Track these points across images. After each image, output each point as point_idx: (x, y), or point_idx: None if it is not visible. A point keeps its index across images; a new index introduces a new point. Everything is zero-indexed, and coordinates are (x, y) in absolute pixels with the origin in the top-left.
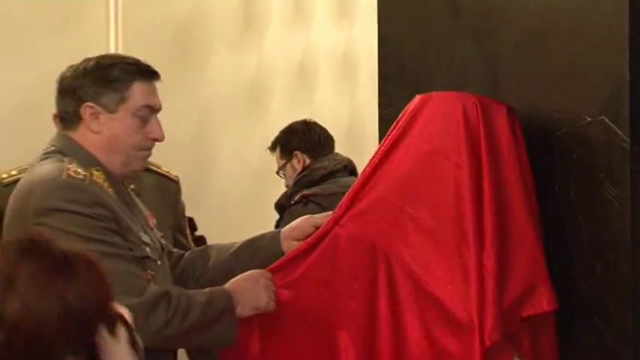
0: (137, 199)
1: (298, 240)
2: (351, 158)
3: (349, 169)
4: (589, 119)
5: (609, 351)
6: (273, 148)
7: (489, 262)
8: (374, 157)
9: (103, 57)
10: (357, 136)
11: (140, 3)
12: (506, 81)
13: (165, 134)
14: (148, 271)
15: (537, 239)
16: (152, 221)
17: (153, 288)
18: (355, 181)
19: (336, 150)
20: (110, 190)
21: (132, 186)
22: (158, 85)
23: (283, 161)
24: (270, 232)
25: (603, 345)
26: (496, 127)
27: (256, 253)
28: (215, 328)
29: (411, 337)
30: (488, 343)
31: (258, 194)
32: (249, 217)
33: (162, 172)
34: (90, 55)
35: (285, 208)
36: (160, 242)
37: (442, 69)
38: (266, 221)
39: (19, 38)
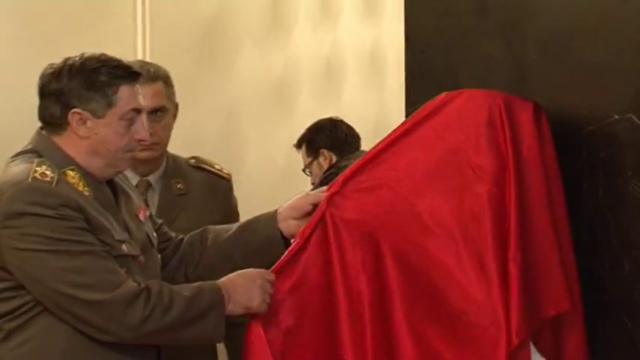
0: (130, 192)
1: (297, 219)
2: None
3: None
4: (617, 117)
5: (638, 350)
6: (299, 145)
7: (514, 265)
8: (386, 138)
9: (86, 59)
10: (383, 134)
11: (167, 2)
12: (532, 79)
13: (193, 132)
14: (124, 268)
15: (557, 241)
16: (144, 214)
17: (130, 284)
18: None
19: (363, 148)
20: (85, 189)
21: (179, 185)
22: (186, 83)
23: (309, 159)
24: (267, 213)
25: (632, 343)
26: (521, 128)
27: (253, 236)
28: (200, 324)
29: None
30: (516, 341)
31: (284, 192)
32: None
33: (213, 170)
34: (117, 56)
35: None
36: (149, 237)
37: (468, 66)
38: None
39: (46, 38)
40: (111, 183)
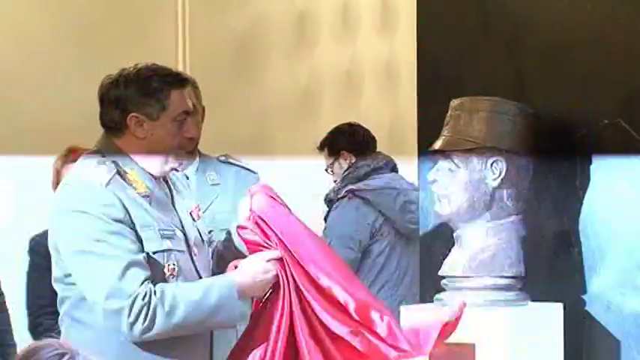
0: (184, 192)
1: None
2: (393, 157)
3: (390, 166)
4: (606, 122)
5: None
6: (321, 147)
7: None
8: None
9: (139, 69)
10: (397, 137)
11: (205, 19)
12: (531, 88)
13: (227, 136)
14: (169, 263)
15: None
16: (196, 213)
17: (138, 294)
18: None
19: (379, 149)
20: (144, 187)
21: (212, 177)
22: (220, 91)
23: (331, 160)
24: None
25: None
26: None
27: None
28: (214, 317)
29: None
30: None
31: (309, 190)
32: (302, 210)
33: (241, 164)
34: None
35: (333, 201)
36: (200, 233)
37: (474, 76)
38: (316, 214)
39: (94, 53)
40: (167, 182)
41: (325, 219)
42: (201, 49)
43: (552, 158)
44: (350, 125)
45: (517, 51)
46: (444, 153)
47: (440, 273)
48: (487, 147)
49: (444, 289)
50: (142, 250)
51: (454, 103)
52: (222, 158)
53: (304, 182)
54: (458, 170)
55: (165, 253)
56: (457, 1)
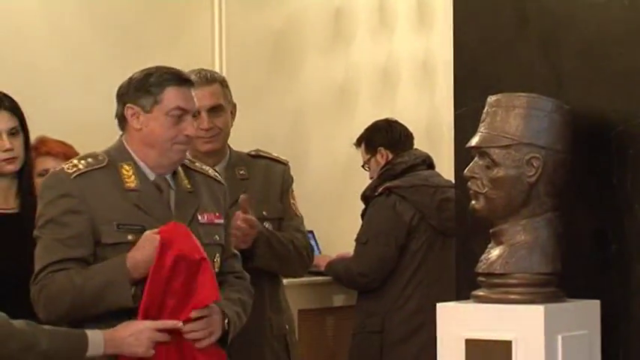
0: (203, 197)
1: None
2: (429, 153)
3: (427, 163)
4: None
5: None
6: (358, 144)
7: None
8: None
9: (148, 68)
10: (434, 134)
11: (241, 16)
12: (568, 83)
13: (263, 132)
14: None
15: None
16: (207, 218)
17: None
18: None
19: (416, 146)
20: (133, 182)
21: (241, 172)
22: (257, 88)
23: (368, 156)
24: None
25: None
26: None
27: None
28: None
29: None
30: None
31: (346, 186)
32: (339, 207)
33: (271, 156)
34: (196, 64)
35: (370, 198)
36: (200, 236)
37: (510, 73)
38: (353, 211)
39: (133, 52)
40: (178, 186)
41: (362, 216)
42: (238, 46)
43: (589, 155)
44: (387, 122)
45: (554, 47)
46: (480, 149)
47: (476, 270)
48: (524, 143)
49: (480, 286)
50: (96, 243)
51: (491, 99)
52: (253, 153)
53: (340, 179)
54: (495, 167)
55: (123, 246)
56: None
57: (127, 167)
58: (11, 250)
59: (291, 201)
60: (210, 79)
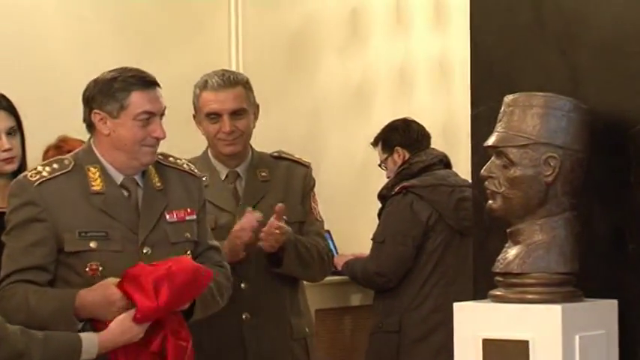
0: (162, 191)
1: None
2: (446, 153)
3: (444, 162)
4: None
5: None
6: (375, 143)
7: None
8: None
9: (111, 71)
10: (451, 134)
11: (258, 16)
12: (585, 84)
13: (280, 132)
14: (91, 263)
15: None
16: (176, 216)
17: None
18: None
19: (432, 145)
20: (99, 185)
21: (263, 174)
22: (274, 88)
23: (385, 155)
24: None
25: None
26: None
27: None
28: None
29: None
30: None
31: (363, 186)
32: (355, 206)
33: (293, 158)
34: (213, 64)
35: (386, 197)
36: (167, 234)
37: (527, 72)
38: (370, 209)
39: (150, 52)
40: (146, 184)
41: (379, 215)
42: (254, 46)
43: (607, 154)
44: (404, 121)
45: (571, 46)
46: (497, 149)
47: (494, 269)
48: (541, 143)
49: (497, 286)
50: (59, 251)
51: (508, 99)
52: (275, 154)
53: (357, 178)
54: (512, 166)
55: (85, 254)
56: None
57: (93, 170)
58: None
59: (313, 205)
60: (234, 81)
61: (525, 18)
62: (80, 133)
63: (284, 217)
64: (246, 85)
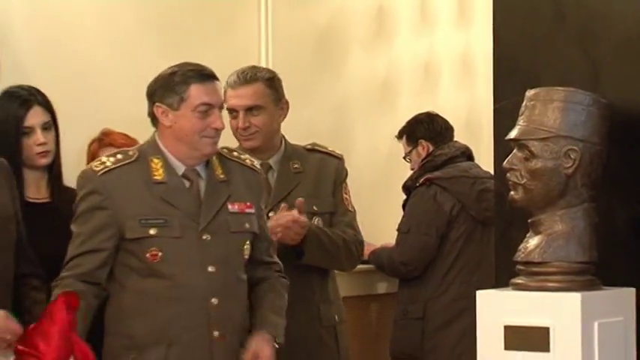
0: (226, 183)
1: None
2: (469, 145)
3: (467, 154)
4: None
5: None
6: (400, 136)
7: None
8: None
9: (171, 67)
10: (474, 127)
11: (287, 13)
12: (606, 79)
13: (308, 126)
14: (151, 249)
15: None
16: (237, 207)
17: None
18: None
19: (455, 138)
20: (161, 175)
21: (296, 165)
22: (302, 83)
23: (409, 148)
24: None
25: None
26: None
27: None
28: None
29: None
30: None
31: (388, 177)
32: (381, 197)
33: (326, 150)
34: (244, 61)
35: (411, 189)
36: (229, 223)
37: (549, 67)
38: (395, 200)
39: (183, 49)
40: (210, 175)
41: (403, 206)
42: (284, 43)
43: (625, 147)
44: (428, 115)
45: (591, 42)
46: (519, 142)
47: (515, 259)
48: (562, 136)
49: (519, 274)
50: (121, 238)
51: (529, 93)
52: (309, 147)
53: (383, 170)
54: (533, 158)
55: (146, 240)
56: None
57: (156, 161)
58: (44, 235)
59: (344, 195)
60: (250, 79)
61: (547, 14)
62: (115, 126)
63: (314, 207)
64: (267, 81)
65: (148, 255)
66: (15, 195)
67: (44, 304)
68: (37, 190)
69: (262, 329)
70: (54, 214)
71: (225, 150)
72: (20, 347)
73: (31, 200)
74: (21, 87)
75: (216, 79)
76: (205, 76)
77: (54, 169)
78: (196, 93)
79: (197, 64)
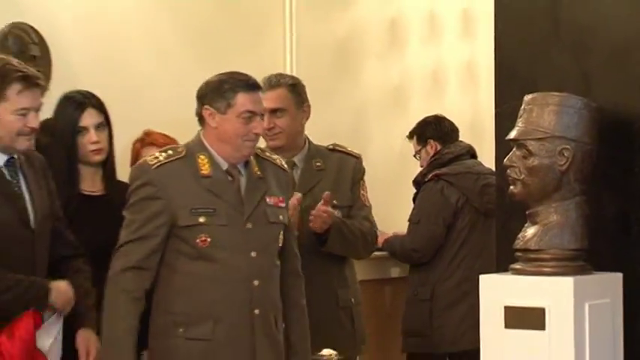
0: (271, 183)
1: None
2: (473, 145)
3: (471, 153)
4: None
5: None
6: (411, 136)
7: None
8: None
9: (221, 74)
10: (477, 128)
11: (310, 26)
12: (596, 85)
13: (328, 128)
14: (201, 236)
15: None
16: (274, 200)
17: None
18: (475, 163)
19: (460, 138)
20: (207, 170)
21: (318, 163)
22: (323, 89)
23: (419, 147)
24: None
25: None
26: None
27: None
28: None
29: None
30: None
31: (400, 173)
32: (394, 191)
33: (345, 150)
34: (271, 68)
35: (420, 184)
36: (267, 215)
37: (545, 75)
38: (406, 194)
39: (216, 57)
40: (248, 172)
41: (414, 199)
42: (307, 52)
43: (614, 146)
44: (436, 117)
45: (583, 53)
46: (518, 141)
47: (514, 246)
48: (556, 136)
49: (517, 260)
50: (173, 225)
51: (527, 98)
52: (330, 147)
53: (395, 167)
54: (530, 156)
55: (196, 227)
56: (530, 10)
57: (202, 157)
58: (99, 225)
59: (361, 191)
60: (275, 84)
61: (543, 28)
62: (156, 127)
63: (334, 201)
64: (290, 87)
65: (197, 241)
66: (52, 189)
67: (90, 281)
68: (92, 184)
69: None
70: (108, 205)
71: (259, 150)
72: None
73: (86, 193)
74: (78, 91)
75: (261, 89)
76: (252, 86)
77: (108, 165)
78: (242, 101)
79: (245, 75)
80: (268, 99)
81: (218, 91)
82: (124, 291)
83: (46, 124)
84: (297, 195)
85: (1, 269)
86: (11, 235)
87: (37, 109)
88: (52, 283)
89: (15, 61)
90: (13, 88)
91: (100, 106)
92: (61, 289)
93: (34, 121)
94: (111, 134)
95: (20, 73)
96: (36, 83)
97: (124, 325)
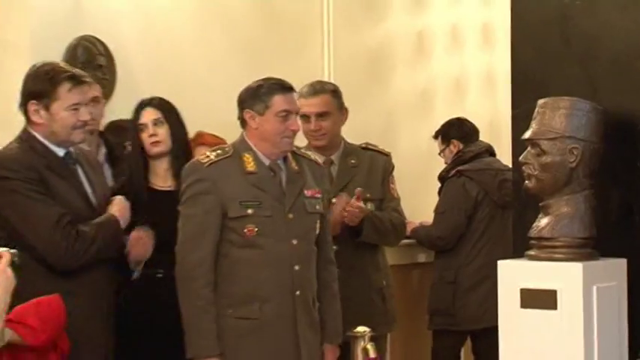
0: (308, 177)
1: None
2: (491, 144)
3: (490, 151)
4: None
5: None
6: (436, 136)
7: None
8: None
9: (258, 80)
10: (495, 129)
11: (345, 38)
12: (602, 91)
13: (361, 129)
14: (248, 226)
15: None
16: (311, 192)
17: None
18: (493, 161)
19: (481, 138)
20: (252, 167)
21: (352, 161)
22: (357, 93)
23: (443, 146)
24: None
25: None
26: None
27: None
28: None
29: None
30: None
31: (426, 170)
32: (421, 185)
33: (377, 149)
34: (310, 76)
35: (445, 179)
36: (305, 205)
37: (556, 81)
38: (432, 188)
39: (260, 65)
40: (287, 167)
41: (439, 193)
42: (342, 60)
43: (618, 145)
44: (459, 119)
45: (590, 62)
46: (532, 141)
47: (529, 235)
48: (566, 136)
49: (532, 248)
50: (224, 216)
51: (540, 102)
52: (363, 145)
53: (422, 164)
54: (544, 154)
55: (244, 218)
56: (543, 23)
57: (247, 156)
58: (168, 217)
59: (391, 185)
60: (319, 90)
61: (555, 39)
62: (207, 128)
63: (367, 194)
64: (332, 92)
65: (245, 230)
66: (103, 180)
67: None
68: (163, 180)
69: (332, 342)
70: (176, 199)
71: (295, 148)
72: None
73: (157, 188)
74: (150, 98)
75: (294, 90)
76: (286, 88)
77: (178, 162)
78: (278, 101)
79: (279, 79)
80: (314, 104)
81: (256, 95)
82: (208, 284)
83: (113, 125)
84: (358, 189)
85: (81, 231)
86: (81, 218)
87: (87, 104)
88: (110, 208)
89: (62, 63)
90: (64, 87)
91: (158, 105)
92: (116, 201)
93: (85, 115)
94: (174, 131)
95: (68, 73)
96: (83, 80)
97: (210, 317)
